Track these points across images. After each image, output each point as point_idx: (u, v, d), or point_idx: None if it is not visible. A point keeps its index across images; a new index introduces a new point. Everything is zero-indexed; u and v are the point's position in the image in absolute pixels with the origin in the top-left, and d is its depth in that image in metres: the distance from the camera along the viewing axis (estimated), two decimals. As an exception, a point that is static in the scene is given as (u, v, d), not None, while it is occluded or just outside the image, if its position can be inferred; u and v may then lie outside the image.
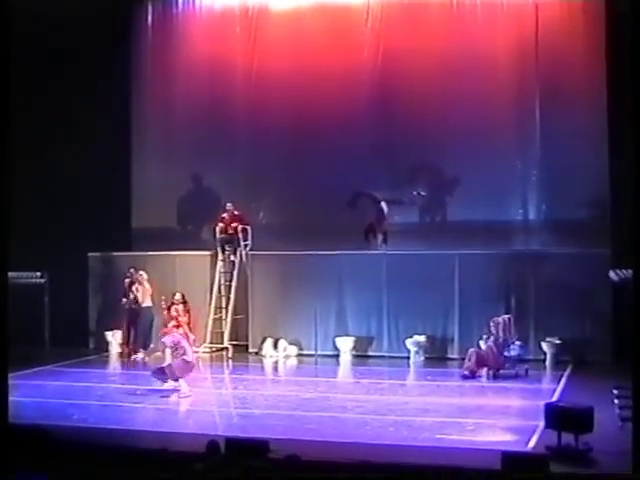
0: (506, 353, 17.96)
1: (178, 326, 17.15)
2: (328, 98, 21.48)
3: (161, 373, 16.48)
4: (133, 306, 20.89)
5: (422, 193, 21.02)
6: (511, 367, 17.95)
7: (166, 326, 17.40)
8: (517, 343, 18.24)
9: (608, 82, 19.66)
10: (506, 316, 18.52)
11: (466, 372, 17.75)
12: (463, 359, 18.81)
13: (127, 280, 21.06)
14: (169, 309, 17.61)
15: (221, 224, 21.47)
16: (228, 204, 21.52)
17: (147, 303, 20.84)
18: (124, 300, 21.02)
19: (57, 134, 22.43)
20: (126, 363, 20.53)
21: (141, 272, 20.99)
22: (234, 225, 21.39)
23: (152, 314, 20.59)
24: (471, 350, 18.02)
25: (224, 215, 21.50)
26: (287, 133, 21.78)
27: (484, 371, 17.76)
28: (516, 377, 17.66)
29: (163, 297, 18.48)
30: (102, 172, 22.16)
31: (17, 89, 14.49)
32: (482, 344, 18.03)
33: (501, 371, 17.79)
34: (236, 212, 21.47)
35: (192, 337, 17.33)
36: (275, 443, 10.14)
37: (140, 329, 20.86)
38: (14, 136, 10.47)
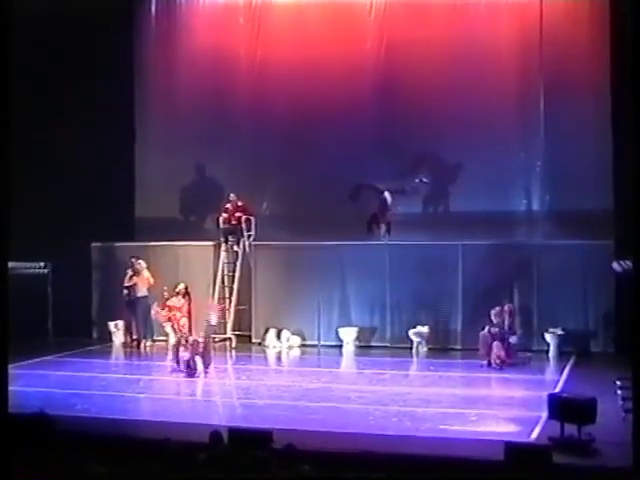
0: (511, 340, 18.02)
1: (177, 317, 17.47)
2: (331, 89, 21.44)
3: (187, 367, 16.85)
4: (131, 296, 20.89)
5: (424, 180, 21.01)
6: (514, 356, 17.98)
7: (169, 318, 17.59)
8: (519, 332, 18.39)
9: (612, 73, 19.59)
10: (509, 304, 18.56)
11: (485, 359, 17.73)
12: (466, 350, 19.00)
13: (129, 271, 21.05)
14: (164, 307, 17.78)
15: (224, 214, 21.46)
16: (231, 195, 21.51)
17: (143, 293, 20.82)
18: (125, 292, 21.00)
19: (60, 124, 22.38)
20: (129, 353, 20.58)
21: (139, 261, 20.99)
22: (238, 216, 21.38)
23: (149, 304, 20.62)
24: (482, 333, 17.93)
25: (227, 206, 21.49)
26: (290, 124, 21.76)
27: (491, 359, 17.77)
28: (521, 366, 17.73)
29: (165, 287, 18.43)
30: (105, 162, 22.12)
31: (20, 80, 14.52)
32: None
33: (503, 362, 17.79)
34: (240, 203, 21.46)
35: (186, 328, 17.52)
36: (278, 433, 10.15)
37: (139, 319, 20.92)
38: (15, 127, 10.45)
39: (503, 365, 17.54)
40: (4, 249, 9.06)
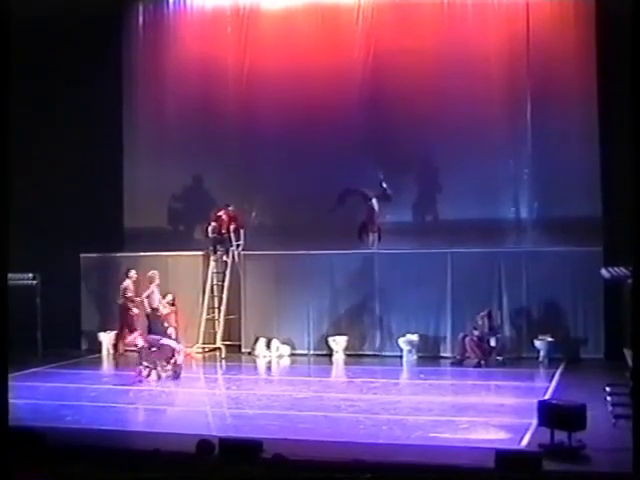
0: (492, 344, 18.75)
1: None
2: (319, 98, 21.45)
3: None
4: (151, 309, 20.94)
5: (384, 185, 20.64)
6: (491, 357, 18.81)
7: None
8: (497, 336, 18.93)
9: (599, 80, 19.69)
10: (488, 309, 19.08)
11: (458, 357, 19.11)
12: (456, 357, 19.09)
13: (129, 281, 20.80)
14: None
15: (214, 224, 21.38)
16: (230, 206, 21.31)
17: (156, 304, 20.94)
18: (132, 303, 20.62)
19: (48, 134, 22.37)
20: (118, 363, 20.52)
21: (154, 271, 20.38)
22: (229, 226, 21.27)
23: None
24: (461, 335, 19.12)
25: (221, 214, 21.33)
26: (278, 133, 21.75)
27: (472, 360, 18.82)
28: (495, 366, 18.58)
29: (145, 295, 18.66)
30: (94, 173, 22.12)
31: (9, 90, 14.48)
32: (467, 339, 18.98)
33: (482, 362, 18.66)
34: (234, 214, 21.35)
35: (174, 343, 17.64)
36: (268, 443, 10.13)
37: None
38: (12, 138, 10.43)
39: (479, 364, 18.56)
40: (3, 267, 9.05)
